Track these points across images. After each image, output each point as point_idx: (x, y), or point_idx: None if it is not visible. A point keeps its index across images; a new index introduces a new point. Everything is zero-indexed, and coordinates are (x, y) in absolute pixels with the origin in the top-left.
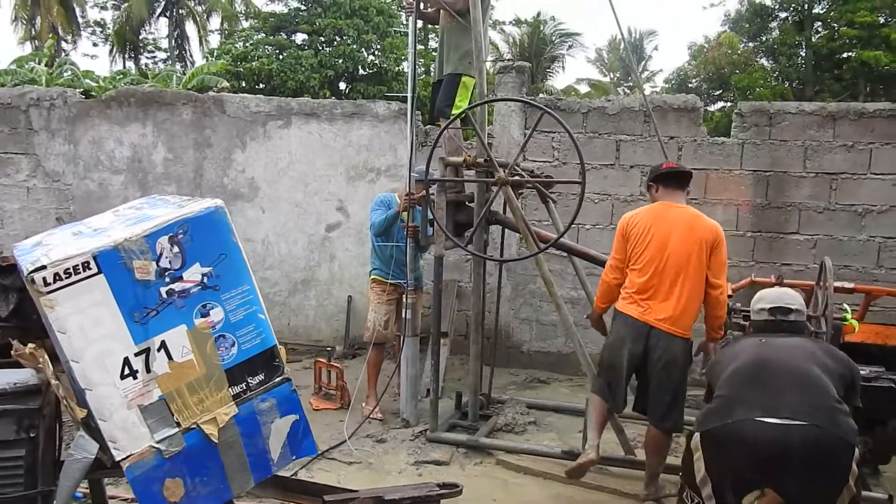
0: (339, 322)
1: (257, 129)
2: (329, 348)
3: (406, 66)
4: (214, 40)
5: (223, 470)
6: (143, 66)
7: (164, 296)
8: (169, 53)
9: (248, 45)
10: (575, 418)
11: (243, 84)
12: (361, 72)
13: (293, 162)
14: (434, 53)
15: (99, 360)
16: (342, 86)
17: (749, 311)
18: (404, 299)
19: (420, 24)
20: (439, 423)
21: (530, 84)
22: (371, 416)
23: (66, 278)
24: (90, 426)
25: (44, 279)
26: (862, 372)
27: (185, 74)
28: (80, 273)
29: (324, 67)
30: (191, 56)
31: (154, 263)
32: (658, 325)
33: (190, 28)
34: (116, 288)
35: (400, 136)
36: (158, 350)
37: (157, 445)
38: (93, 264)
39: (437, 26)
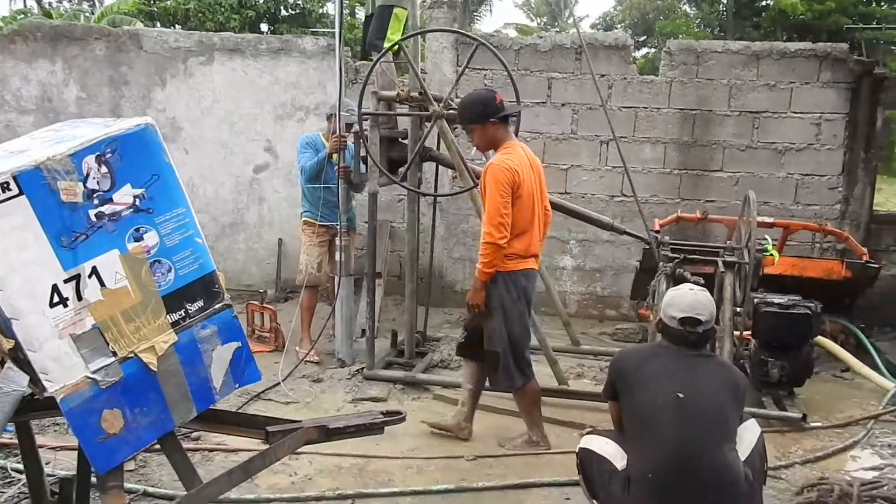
0: (270, 266)
1: (178, 65)
2: (261, 292)
3: (331, 8)
4: None
5: (164, 399)
6: (47, 5)
7: (94, 219)
8: None
9: None
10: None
11: (157, 24)
12: (284, 13)
13: (217, 100)
14: None
15: (25, 287)
16: (264, 27)
17: (677, 245)
18: (337, 241)
19: None
20: (375, 361)
21: (462, 20)
22: (306, 358)
23: None
24: (19, 359)
25: None
26: (779, 300)
27: (93, 13)
28: None
29: (244, 8)
30: None
31: (81, 184)
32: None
33: None
34: (40, 211)
35: (329, 73)
36: (90, 276)
37: (92, 376)
38: (13, 185)
39: None
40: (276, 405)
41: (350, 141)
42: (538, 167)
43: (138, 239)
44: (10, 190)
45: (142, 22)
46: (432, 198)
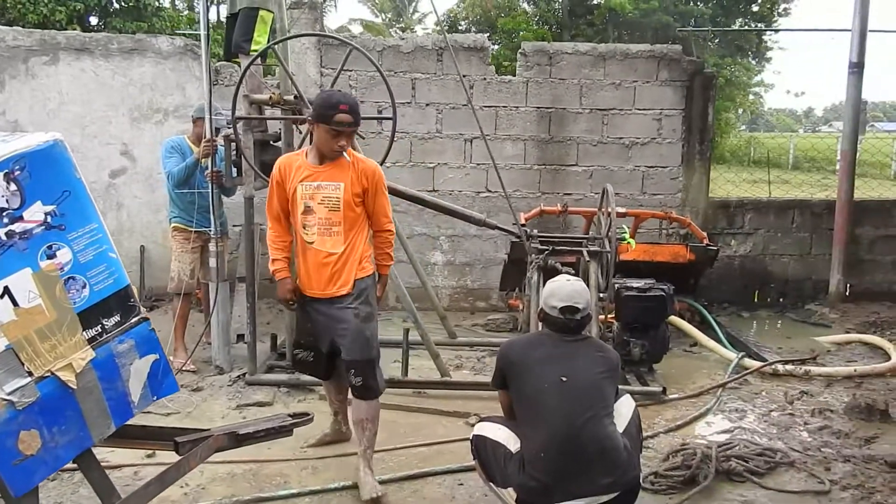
0: (132, 274)
1: (17, 65)
2: None
3: (167, 1)
4: None
5: (82, 417)
6: None
7: (3, 237)
8: None
9: None
10: (388, 350)
11: None
12: (115, 5)
13: (65, 103)
14: None
15: None
16: (94, 20)
17: (546, 237)
18: (210, 247)
19: None
20: (257, 365)
21: (322, 21)
22: (183, 367)
23: None
24: None
25: None
26: (637, 284)
27: None
28: None
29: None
30: None
31: None
32: None
33: None
34: None
35: (188, 75)
36: (1, 297)
37: (7, 397)
38: None
39: None
40: (155, 417)
41: (220, 145)
42: None
43: (51, 256)
44: None
45: None
46: None
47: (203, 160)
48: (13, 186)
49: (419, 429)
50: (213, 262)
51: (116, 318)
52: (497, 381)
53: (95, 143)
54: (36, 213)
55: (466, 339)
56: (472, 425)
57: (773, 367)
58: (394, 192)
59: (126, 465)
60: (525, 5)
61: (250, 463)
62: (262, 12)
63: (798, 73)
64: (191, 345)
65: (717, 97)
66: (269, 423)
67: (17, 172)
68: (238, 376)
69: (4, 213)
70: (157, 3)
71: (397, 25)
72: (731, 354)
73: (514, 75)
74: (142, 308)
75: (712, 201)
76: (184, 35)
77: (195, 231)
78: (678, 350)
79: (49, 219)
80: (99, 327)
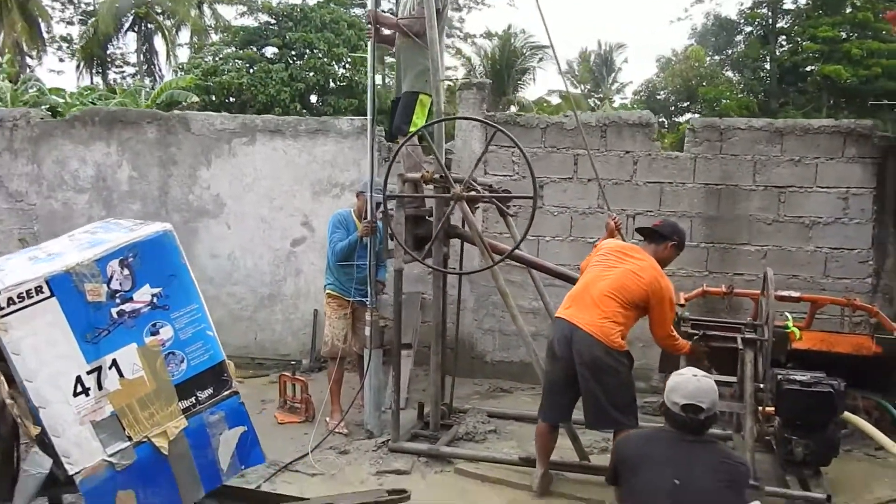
0: (305, 336)
1: (222, 146)
2: (294, 362)
3: (380, 79)
4: (183, 54)
5: (174, 481)
6: (112, 82)
7: (115, 316)
8: (137, 68)
9: (217, 59)
10: (532, 426)
11: (213, 98)
12: (332, 85)
13: (258, 178)
14: None
15: (52, 379)
16: (313, 98)
17: (698, 321)
18: (366, 316)
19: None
20: (402, 433)
21: (495, 99)
22: (336, 429)
23: (20, 302)
24: (44, 442)
25: None
26: (801, 377)
27: (154, 89)
28: (32, 297)
29: (295, 81)
30: (160, 70)
31: (105, 286)
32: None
33: (158, 42)
34: (69, 310)
35: (364, 152)
36: (110, 368)
37: (109, 459)
38: (45, 288)
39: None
40: (302, 476)
41: (379, 220)
42: (635, 272)
43: (155, 333)
44: (42, 293)
45: (198, 96)
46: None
47: (364, 237)
48: (126, 271)
49: None
50: (367, 330)
51: (210, 391)
52: (610, 477)
53: (281, 214)
54: (144, 294)
55: None
56: None
57: None
58: (533, 265)
59: None
60: (729, 74)
61: None
62: (421, 96)
63: None
64: (346, 405)
65: None
66: (364, 497)
67: (130, 259)
68: (384, 442)
69: (117, 295)
70: (366, 81)
71: (595, 96)
72: None
73: (682, 151)
74: (234, 383)
75: None
76: (362, 114)
77: (348, 300)
78: (859, 453)
79: (155, 300)
80: (193, 398)
